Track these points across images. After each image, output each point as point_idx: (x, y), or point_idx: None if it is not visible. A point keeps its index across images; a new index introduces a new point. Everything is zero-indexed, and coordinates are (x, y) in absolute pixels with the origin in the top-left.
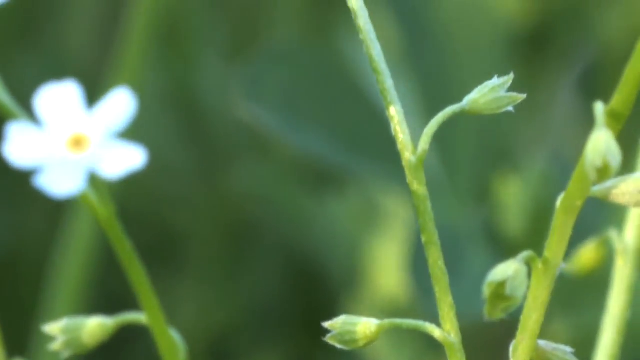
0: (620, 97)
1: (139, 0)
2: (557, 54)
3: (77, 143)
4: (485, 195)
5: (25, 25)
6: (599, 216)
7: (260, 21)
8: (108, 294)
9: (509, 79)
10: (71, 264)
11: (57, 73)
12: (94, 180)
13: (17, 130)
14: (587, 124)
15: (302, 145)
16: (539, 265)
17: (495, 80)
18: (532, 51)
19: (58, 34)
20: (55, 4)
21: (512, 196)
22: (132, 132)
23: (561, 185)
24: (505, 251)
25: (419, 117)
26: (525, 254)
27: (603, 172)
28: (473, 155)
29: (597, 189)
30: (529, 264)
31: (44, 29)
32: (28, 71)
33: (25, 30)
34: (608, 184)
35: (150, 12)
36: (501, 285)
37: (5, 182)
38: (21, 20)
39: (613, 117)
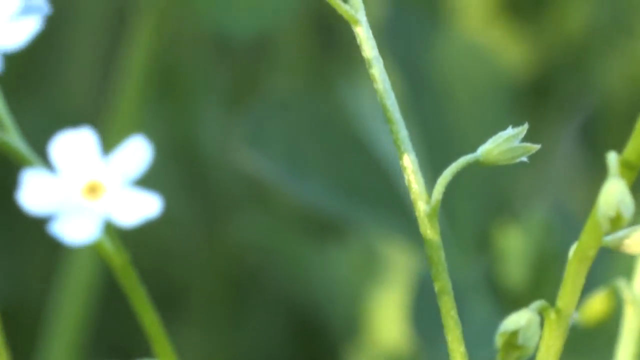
0: (634, 146)
1: (139, 49)
2: (558, 104)
3: (93, 190)
4: (486, 244)
5: (25, 74)
6: (607, 266)
7: (260, 70)
8: (105, 342)
9: (523, 129)
10: (69, 312)
11: (57, 122)
12: (107, 228)
13: (32, 177)
14: (588, 174)
15: (302, 195)
16: (551, 315)
17: (510, 131)
18: (534, 101)
19: (57, 82)
20: (55, 53)
21: (514, 246)
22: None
23: (562, 235)
24: (508, 301)
25: (420, 166)
26: (538, 303)
27: (616, 223)
28: (474, 204)
29: (609, 239)
30: (541, 313)
31: (43, 78)
32: (27, 120)
33: (24, 80)
34: (620, 234)
35: (150, 60)
36: (514, 334)
37: (4, 231)
38: (21, 69)
39: (626, 167)
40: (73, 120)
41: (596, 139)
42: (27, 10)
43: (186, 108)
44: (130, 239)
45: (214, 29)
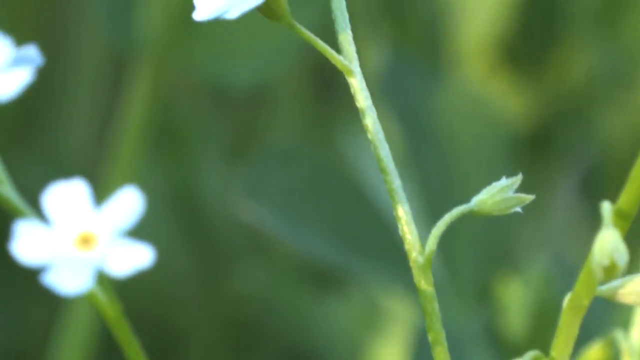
0: (627, 196)
1: (137, 99)
2: (558, 155)
3: (85, 241)
4: (486, 296)
5: (23, 125)
6: (604, 315)
7: (259, 120)
8: None
9: (516, 179)
10: None
11: (55, 173)
12: (100, 279)
13: (25, 228)
14: (589, 224)
15: (303, 246)
16: None
17: (504, 181)
18: (534, 152)
19: (56, 134)
20: (53, 102)
21: (514, 297)
22: (132, 233)
23: (563, 286)
24: (508, 352)
25: (421, 217)
26: (532, 353)
27: (610, 272)
28: (474, 255)
29: (603, 289)
30: None
31: (41, 128)
32: (25, 171)
33: (22, 131)
34: (615, 283)
35: (149, 110)
36: None
37: (4, 282)
38: (19, 120)
39: (620, 217)
40: (71, 171)
41: (596, 190)
42: (18, 61)
43: (185, 158)
44: (131, 288)
45: (213, 79)
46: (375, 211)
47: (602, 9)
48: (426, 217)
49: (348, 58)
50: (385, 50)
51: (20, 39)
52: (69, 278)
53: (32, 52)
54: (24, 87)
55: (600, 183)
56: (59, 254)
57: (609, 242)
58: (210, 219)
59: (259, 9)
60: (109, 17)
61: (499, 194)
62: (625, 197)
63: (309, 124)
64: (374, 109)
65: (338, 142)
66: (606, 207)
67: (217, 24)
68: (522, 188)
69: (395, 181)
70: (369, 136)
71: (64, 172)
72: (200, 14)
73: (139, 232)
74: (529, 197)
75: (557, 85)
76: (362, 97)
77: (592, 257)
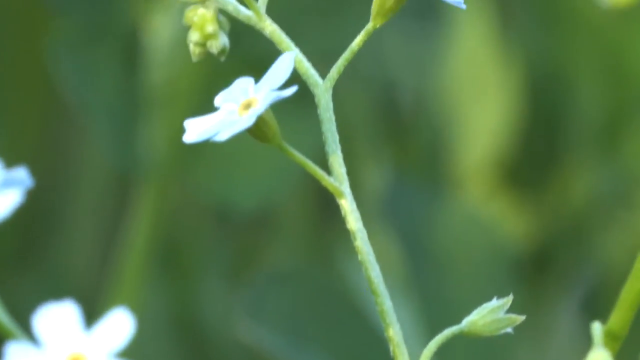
0: (617, 317)
1: (140, 220)
2: (558, 275)
3: None
4: None
5: (25, 244)
6: None
7: (261, 241)
8: None
9: (507, 300)
10: None
11: (57, 293)
12: None
13: (15, 350)
14: (589, 346)
15: None
16: None
17: (494, 302)
18: (534, 272)
19: (58, 254)
20: (55, 224)
21: None
22: (132, 353)
23: None
24: None
25: (420, 337)
26: None
27: None
28: None
29: None
30: None
31: (43, 249)
32: (27, 291)
33: (24, 250)
34: None
35: (151, 232)
36: None
37: None
38: (20, 239)
39: (611, 337)
40: (73, 292)
41: (597, 311)
42: (8, 183)
43: (188, 278)
44: None
45: (215, 201)
46: (375, 332)
47: (602, 129)
48: (426, 338)
49: (338, 180)
50: (386, 170)
51: (22, 160)
52: None
53: (22, 174)
54: (13, 209)
55: (600, 304)
56: None
57: None
58: (211, 340)
59: (249, 131)
60: (111, 138)
61: (490, 315)
62: (616, 318)
63: (310, 244)
64: (364, 231)
65: (339, 262)
66: (596, 328)
67: (219, 146)
68: (522, 308)
69: (386, 302)
70: (360, 258)
71: (65, 293)
72: (190, 137)
73: (139, 351)
74: (520, 318)
75: (557, 206)
76: (352, 218)
77: None
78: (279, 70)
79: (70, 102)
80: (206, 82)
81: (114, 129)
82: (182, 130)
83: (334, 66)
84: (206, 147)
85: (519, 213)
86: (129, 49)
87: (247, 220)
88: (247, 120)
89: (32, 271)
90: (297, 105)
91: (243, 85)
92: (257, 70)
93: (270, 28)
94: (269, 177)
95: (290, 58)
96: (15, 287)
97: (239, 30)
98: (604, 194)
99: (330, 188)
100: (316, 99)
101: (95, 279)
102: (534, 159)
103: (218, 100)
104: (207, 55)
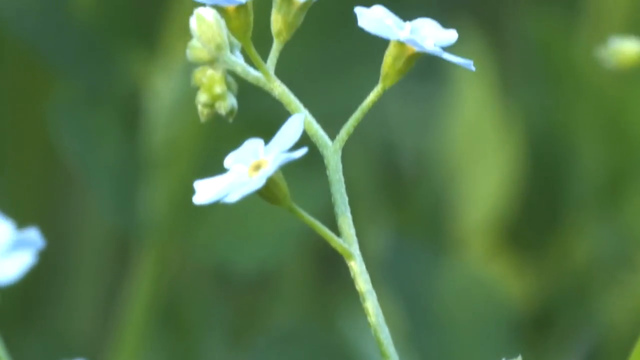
0: None
1: (140, 282)
2: (559, 336)
3: None
4: None
5: (27, 305)
6: None
7: (262, 301)
8: None
9: None
10: None
11: (59, 354)
12: None
13: None
14: None
15: None
16: None
17: None
18: (534, 333)
19: (60, 314)
20: (57, 284)
21: None
22: None
23: None
24: None
25: None
26: None
27: None
28: None
29: None
30: None
31: (45, 309)
32: (30, 351)
33: (26, 310)
34: None
35: (151, 293)
36: None
37: None
38: (22, 300)
39: None
40: (76, 353)
41: None
42: (20, 244)
43: (188, 340)
44: None
45: (216, 262)
46: None
47: (603, 190)
48: None
49: (348, 241)
50: (387, 232)
51: (23, 220)
52: None
53: (34, 235)
54: (25, 271)
55: None
56: None
57: None
58: None
59: (259, 192)
60: (112, 200)
61: None
62: None
63: (311, 306)
64: (374, 293)
65: (339, 323)
66: None
67: (221, 207)
68: None
69: None
70: (369, 319)
71: (68, 354)
72: (200, 198)
73: None
74: None
75: (558, 266)
76: (362, 280)
77: None
78: (289, 131)
79: (71, 164)
80: (206, 144)
81: (115, 191)
82: (181, 192)
83: (344, 127)
84: (207, 208)
85: (519, 274)
86: (130, 111)
87: (247, 281)
88: (257, 181)
89: (34, 331)
90: (305, 166)
91: (253, 146)
92: (259, 131)
93: (279, 89)
94: (269, 239)
95: (300, 120)
96: (18, 347)
97: (240, 91)
98: (604, 255)
99: (339, 250)
100: (325, 161)
101: (97, 339)
102: (534, 219)
103: (228, 161)
104: (215, 116)
